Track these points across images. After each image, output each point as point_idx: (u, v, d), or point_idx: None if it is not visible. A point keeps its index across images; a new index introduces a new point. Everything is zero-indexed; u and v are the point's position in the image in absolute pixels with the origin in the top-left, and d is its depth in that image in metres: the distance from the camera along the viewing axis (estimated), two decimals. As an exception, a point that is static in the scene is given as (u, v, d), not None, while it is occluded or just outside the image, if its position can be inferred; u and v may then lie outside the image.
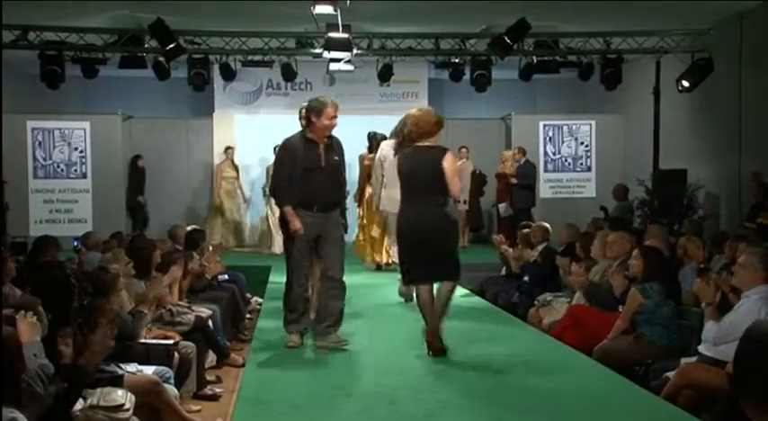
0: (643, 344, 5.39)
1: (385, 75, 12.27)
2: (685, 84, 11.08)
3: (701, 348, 4.88)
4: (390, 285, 8.08)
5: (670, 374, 4.67)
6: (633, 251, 5.94)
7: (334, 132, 5.80)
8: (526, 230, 8.48)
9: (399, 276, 6.38)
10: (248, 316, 8.32)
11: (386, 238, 9.28)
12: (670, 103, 11.67)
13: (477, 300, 8.00)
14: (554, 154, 13.67)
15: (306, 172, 5.59)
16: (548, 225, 8.34)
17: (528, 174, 12.06)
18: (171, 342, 5.50)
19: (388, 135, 7.82)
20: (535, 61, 12.15)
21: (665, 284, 5.58)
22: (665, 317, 5.44)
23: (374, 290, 8.34)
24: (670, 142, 11.79)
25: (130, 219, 13.45)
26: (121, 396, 4.07)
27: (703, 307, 5.13)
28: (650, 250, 5.89)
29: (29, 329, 3.60)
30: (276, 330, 6.16)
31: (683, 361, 4.88)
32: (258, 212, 13.21)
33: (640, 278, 5.58)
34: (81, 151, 12.88)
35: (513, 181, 11.99)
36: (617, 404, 4.37)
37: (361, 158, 9.81)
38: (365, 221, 9.71)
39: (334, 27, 10.32)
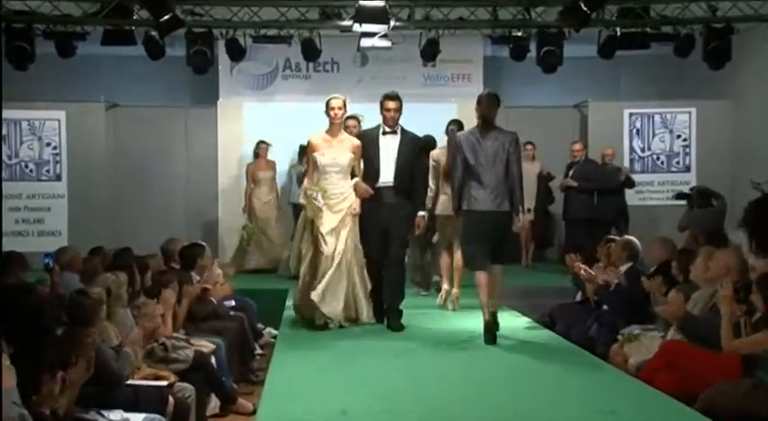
0: (763, 392, 5.28)
1: (430, 53, 12.27)
2: (815, 60, 10.93)
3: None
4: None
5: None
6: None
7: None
8: (610, 245, 8.36)
9: None
10: (260, 352, 8.36)
11: None
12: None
13: (544, 332, 7.93)
14: (642, 150, 13.59)
15: None
16: (635, 239, 8.23)
17: (589, 175, 11.93)
18: (165, 383, 5.55)
19: None
20: (619, 34, 12.10)
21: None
22: (793, 361, 5.32)
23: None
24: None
25: None
26: (103, 450, 4.11)
27: None
28: None
29: (5, 375, 3.63)
30: (294, 369, 6.16)
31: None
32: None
33: (763, 313, 5.46)
34: (55, 147, 13.07)
35: (572, 183, 11.92)
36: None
37: None
38: None
39: (367, -7, 10.38)
